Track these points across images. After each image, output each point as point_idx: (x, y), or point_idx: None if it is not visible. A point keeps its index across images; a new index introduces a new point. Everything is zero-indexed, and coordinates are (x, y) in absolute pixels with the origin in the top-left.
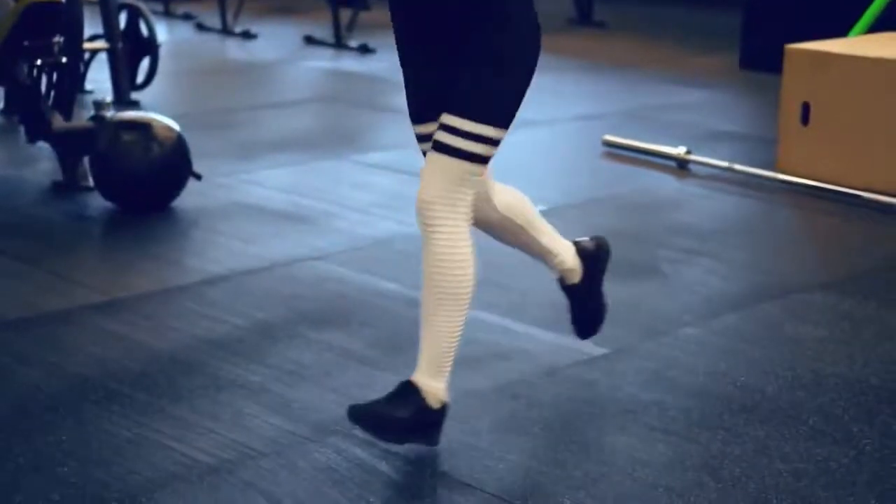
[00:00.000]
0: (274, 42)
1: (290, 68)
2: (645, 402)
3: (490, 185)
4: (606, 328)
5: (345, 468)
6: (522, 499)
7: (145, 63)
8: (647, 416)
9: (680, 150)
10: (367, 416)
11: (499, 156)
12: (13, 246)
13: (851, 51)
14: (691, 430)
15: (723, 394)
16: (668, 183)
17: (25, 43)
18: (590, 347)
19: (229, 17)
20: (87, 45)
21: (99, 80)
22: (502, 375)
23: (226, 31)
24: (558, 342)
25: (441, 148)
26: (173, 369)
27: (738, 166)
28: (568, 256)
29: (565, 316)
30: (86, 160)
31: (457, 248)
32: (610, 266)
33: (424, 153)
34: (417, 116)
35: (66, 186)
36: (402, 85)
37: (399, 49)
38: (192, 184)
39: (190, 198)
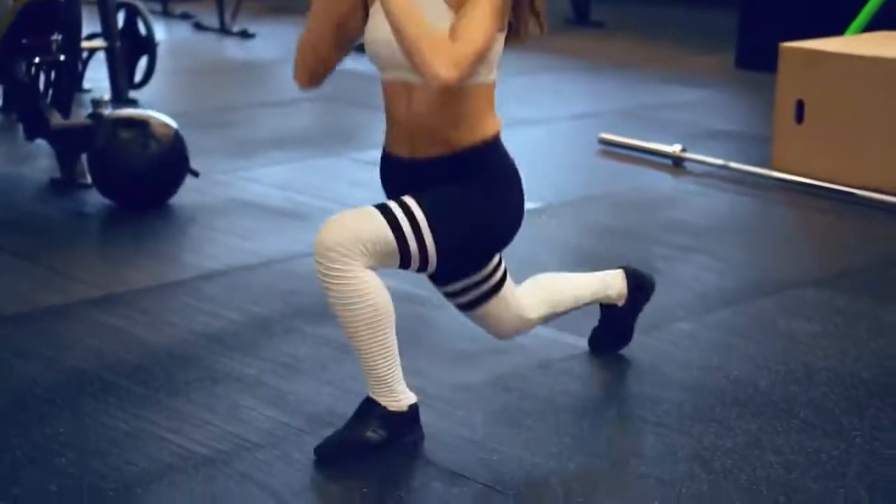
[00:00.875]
0: (271, 41)
1: (287, 67)
2: (638, 395)
3: (520, 307)
4: None
5: (339, 460)
6: (516, 490)
7: (143, 62)
8: (639, 409)
9: (675, 148)
10: (335, 447)
11: None
12: (12, 242)
13: (845, 49)
14: (683, 423)
15: (715, 387)
16: (663, 181)
17: (24, 41)
18: (583, 341)
19: (227, 17)
20: (85, 44)
21: (97, 78)
22: (496, 368)
23: (223, 30)
24: (552, 336)
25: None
26: (170, 363)
27: (733, 164)
28: (615, 285)
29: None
30: (84, 157)
31: (350, 286)
32: (606, 263)
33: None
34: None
35: (65, 183)
36: None
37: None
38: (189, 181)
39: (187, 195)
